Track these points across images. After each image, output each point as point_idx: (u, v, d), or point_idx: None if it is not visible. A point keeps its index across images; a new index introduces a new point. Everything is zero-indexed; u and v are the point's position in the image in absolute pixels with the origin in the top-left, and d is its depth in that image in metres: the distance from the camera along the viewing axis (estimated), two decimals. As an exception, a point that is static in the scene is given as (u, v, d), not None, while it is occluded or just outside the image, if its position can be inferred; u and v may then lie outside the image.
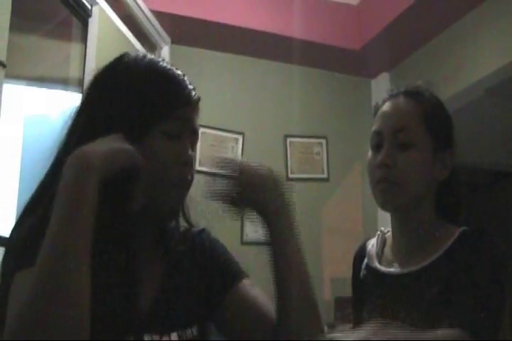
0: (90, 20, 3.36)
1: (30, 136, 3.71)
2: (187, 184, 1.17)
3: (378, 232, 1.72)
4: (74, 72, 3.60)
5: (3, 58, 2.37)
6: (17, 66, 3.08)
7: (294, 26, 4.35)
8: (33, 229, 1.03)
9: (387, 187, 1.52)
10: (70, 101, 3.64)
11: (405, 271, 1.54)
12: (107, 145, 1.05)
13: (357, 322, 1.68)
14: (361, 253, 1.73)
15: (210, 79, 4.48)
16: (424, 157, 1.53)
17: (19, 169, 3.53)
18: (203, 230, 1.31)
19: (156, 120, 1.14)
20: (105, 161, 1.02)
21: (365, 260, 1.69)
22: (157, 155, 1.13)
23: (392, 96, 1.61)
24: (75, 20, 3.43)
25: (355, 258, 1.76)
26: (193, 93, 1.21)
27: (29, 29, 3.62)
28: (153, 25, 4.11)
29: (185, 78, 1.22)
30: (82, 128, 1.15)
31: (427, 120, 1.53)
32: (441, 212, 1.59)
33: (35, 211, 1.08)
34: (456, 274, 1.42)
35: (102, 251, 1.03)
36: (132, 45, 3.74)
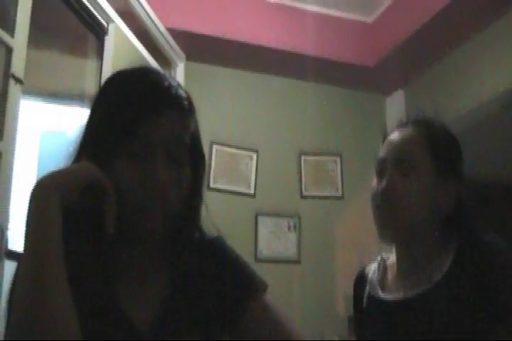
0: (106, 37, 3.39)
1: (46, 151, 3.73)
2: (160, 205, 1.05)
3: (379, 258, 1.70)
4: (90, 88, 3.62)
5: (21, 75, 2.38)
6: (34, 82, 3.11)
7: (309, 43, 4.37)
8: None
9: (385, 213, 1.52)
10: (86, 117, 3.66)
11: (410, 295, 1.51)
12: (67, 168, 1.05)
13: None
14: (361, 280, 1.71)
15: (224, 96, 4.50)
16: (426, 185, 1.52)
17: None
18: (218, 238, 1.22)
19: (118, 142, 1.04)
20: (63, 180, 0.99)
21: (367, 289, 1.66)
22: (123, 179, 1.03)
23: (400, 126, 1.62)
24: (91, 36, 3.46)
25: (355, 286, 1.74)
26: (169, 105, 1.08)
27: (46, 45, 3.66)
28: (168, 42, 4.14)
29: (167, 90, 1.09)
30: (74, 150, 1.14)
31: (433, 148, 1.53)
32: (443, 235, 1.56)
33: None
34: (468, 292, 1.41)
35: (82, 277, 1.01)
36: (147, 62, 3.76)
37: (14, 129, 2.35)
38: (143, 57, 3.73)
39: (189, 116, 1.12)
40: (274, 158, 4.54)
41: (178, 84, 1.13)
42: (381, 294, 1.59)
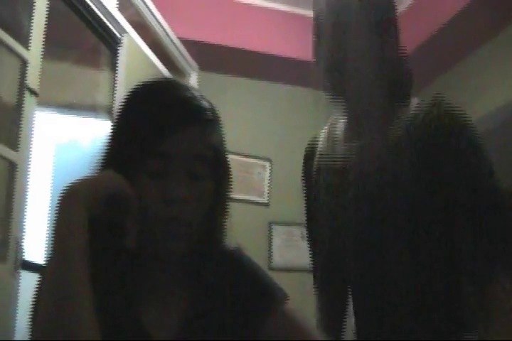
0: (119, 48, 3.41)
1: (61, 162, 3.76)
2: (179, 223, 1.04)
3: (330, 121, 1.69)
4: (103, 99, 3.65)
5: (36, 87, 2.41)
6: (48, 93, 3.13)
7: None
8: None
9: (332, 73, 1.54)
10: (100, 128, 3.68)
11: (360, 152, 1.51)
12: (92, 177, 1.04)
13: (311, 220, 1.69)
14: (312, 145, 1.70)
15: (237, 105, 4.51)
16: (364, 37, 1.50)
17: (50, 195, 3.58)
18: (236, 250, 1.20)
19: (139, 158, 1.03)
20: (89, 189, 0.98)
21: (316, 157, 1.64)
22: (144, 194, 1.02)
23: None
24: (104, 48, 3.49)
25: (306, 159, 1.72)
26: (191, 119, 1.06)
27: (60, 57, 3.69)
28: (180, 53, 4.16)
29: (189, 103, 1.07)
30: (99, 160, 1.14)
31: (369, 2, 1.52)
32: (393, 92, 1.55)
33: None
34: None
35: (103, 290, 1.00)
36: (161, 73, 3.78)
37: (29, 141, 2.36)
38: (156, 68, 3.75)
39: (212, 129, 1.10)
40: (288, 167, 4.53)
41: (201, 96, 1.11)
42: (330, 150, 1.58)
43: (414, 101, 1.52)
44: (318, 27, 1.57)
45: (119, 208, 1.01)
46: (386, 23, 1.53)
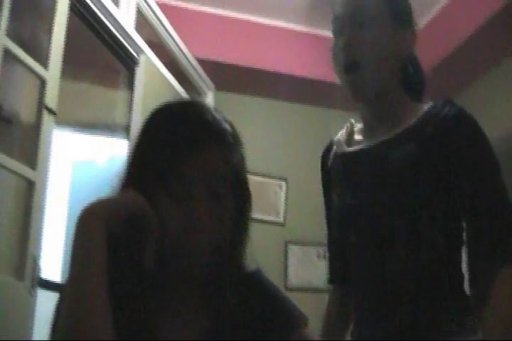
0: (137, 68, 3.43)
1: (78, 180, 3.78)
2: (200, 243, 1.03)
3: (348, 124, 1.69)
4: (120, 119, 3.67)
5: (54, 106, 2.43)
6: (66, 112, 3.16)
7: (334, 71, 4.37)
8: None
9: (356, 76, 1.50)
10: (117, 147, 3.70)
11: (372, 143, 1.52)
12: (113, 197, 1.04)
13: (329, 212, 1.67)
14: (329, 147, 1.73)
15: (253, 125, 4.52)
16: (386, 35, 1.50)
17: (66, 213, 3.59)
18: (256, 271, 1.20)
19: (160, 180, 1.03)
20: (110, 209, 0.98)
21: (333, 150, 1.67)
22: (164, 216, 1.02)
23: None
24: (121, 67, 3.52)
25: (323, 154, 1.75)
26: (211, 142, 1.05)
27: (78, 76, 3.72)
28: (197, 72, 4.19)
29: (209, 126, 1.07)
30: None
31: (385, 1, 1.52)
32: (407, 88, 1.57)
33: None
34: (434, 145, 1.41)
35: (121, 309, 1.00)
36: (177, 92, 3.80)
37: (47, 159, 2.38)
38: (172, 87, 3.78)
39: (233, 151, 1.09)
40: (304, 187, 4.53)
41: (223, 118, 1.11)
42: (346, 149, 1.60)
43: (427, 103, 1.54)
44: (336, 25, 1.55)
45: (139, 228, 1.01)
46: (403, 17, 1.54)
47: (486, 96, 4.24)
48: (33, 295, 2.20)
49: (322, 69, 4.54)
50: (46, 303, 2.24)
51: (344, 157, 1.59)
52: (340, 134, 1.68)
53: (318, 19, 4.41)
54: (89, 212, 0.97)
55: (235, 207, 1.09)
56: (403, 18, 1.54)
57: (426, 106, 1.50)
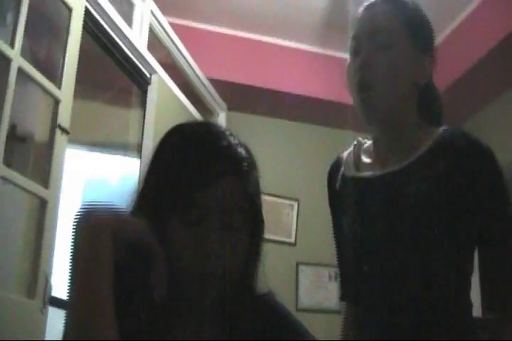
0: (149, 87, 3.46)
1: (90, 199, 3.79)
2: (213, 273, 1.01)
3: (355, 142, 1.65)
4: (133, 138, 3.69)
5: (67, 126, 2.45)
6: (79, 132, 3.18)
7: (348, 93, 4.38)
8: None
9: (370, 97, 1.45)
10: (129, 166, 3.72)
11: (386, 171, 1.47)
12: (123, 214, 1.01)
13: (339, 239, 1.65)
14: (337, 164, 1.66)
15: (265, 145, 4.53)
16: (404, 58, 1.45)
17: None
18: (268, 294, 1.18)
19: (173, 208, 1.00)
20: (116, 224, 0.95)
21: (341, 170, 1.61)
22: (177, 244, 1.00)
23: (368, 5, 1.54)
24: (134, 87, 3.54)
25: (330, 172, 1.69)
26: (227, 171, 1.02)
27: (91, 96, 3.75)
28: (209, 93, 4.21)
29: (225, 153, 1.04)
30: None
31: (405, 21, 1.46)
32: (423, 115, 1.52)
33: None
34: (448, 173, 1.39)
35: (129, 333, 0.97)
36: (189, 112, 3.82)
37: (59, 178, 2.39)
38: (185, 107, 3.80)
39: (248, 179, 1.06)
40: (315, 207, 4.51)
41: (238, 141, 1.08)
42: (355, 173, 1.55)
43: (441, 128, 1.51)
44: (354, 45, 1.50)
45: (142, 256, 0.98)
46: (424, 42, 1.50)
47: (497, 120, 4.24)
48: (44, 313, 2.20)
49: (335, 90, 4.56)
50: (57, 321, 2.25)
51: (355, 182, 1.55)
52: (348, 154, 1.64)
53: (332, 40, 4.44)
54: (99, 223, 0.95)
55: (248, 233, 1.06)
56: (423, 42, 1.50)
57: (439, 131, 1.47)
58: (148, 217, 1.01)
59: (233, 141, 1.07)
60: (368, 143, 1.62)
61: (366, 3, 1.54)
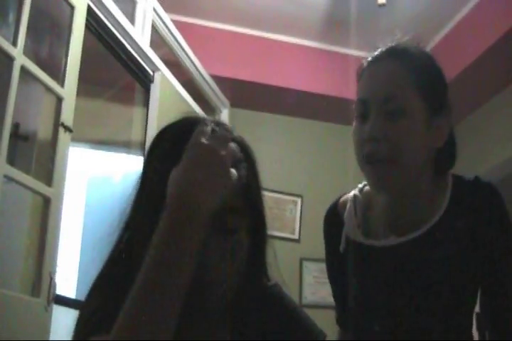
0: (152, 85, 3.46)
1: (93, 197, 3.79)
2: (213, 284, 0.99)
3: (351, 195, 1.49)
4: (136, 136, 3.69)
5: (70, 124, 2.45)
6: (82, 130, 3.18)
7: (351, 88, 4.38)
8: (106, 300, 1.01)
9: (381, 168, 1.30)
10: (132, 163, 3.72)
11: (406, 239, 1.35)
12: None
13: (345, 311, 1.57)
14: (336, 219, 1.50)
15: (268, 142, 4.53)
16: (418, 126, 1.31)
17: (81, 229, 3.61)
18: (275, 286, 1.16)
19: (158, 204, 0.93)
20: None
21: (344, 231, 1.46)
22: None
23: (376, 59, 1.37)
24: (137, 85, 3.54)
25: (328, 227, 1.55)
26: None
27: (94, 94, 3.76)
28: (212, 90, 4.21)
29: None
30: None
31: (418, 84, 1.31)
32: (437, 168, 1.40)
33: (111, 278, 1.04)
34: (473, 233, 1.32)
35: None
36: (192, 109, 3.82)
37: (63, 176, 2.40)
38: (188, 104, 3.79)
39: (242, 176, 0.98)
40: (319, 203, 4.51)
41: (230, 137, 0.99)
42: (364, 240, 1.41)
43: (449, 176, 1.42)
44: (361, 110, 1.35)
45: None
46: (439, 103, 1.36)
47: (498, 115, 4.23)
48: (48, 311, 2.21)
49: (338, 85, 4.57)
50: (61, 319, 2.25)
51: (365, 250, 1.42)
52: (348, 211, 1.47)
53: (335, 36, 4.44)
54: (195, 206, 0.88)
55: (248, 232, 1.04)
56: (438, 103, 1.35)
57: (448, 181, 1.38)
58: (145, 220, 0.98)
59: (224, 132, 1.00)
60: (366, 190, 1.48)
61: (371, 58, 1.38)
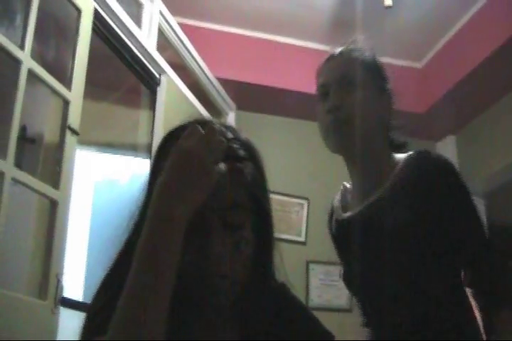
0: (158, 88, 3.47)
1: (100, 199, 3.80)
2: (218, 278, 0.99)
3: (342, 187, 1.82)
4: (143, 139, 3.70)
5: (77, 127, 2.45)
6: (88, 133, 3.19)
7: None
8: (110, 302, 1.01)
9: (342, 130, 1.59)
10: (139, 166, 3.73)
11: (362, 207, 1.61)
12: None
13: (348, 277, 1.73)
14: (332, 210, 1.84)
15: (275, 144, 4.53)
16: (369, 97, 1.63)
17: (88, 232, 3.61)
18: (282, 285, 1.17)
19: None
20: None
21: (334, 216, 1.78)
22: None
23: (330, 57, 1.75)
24: (143, 88, 3.55)
25: (328, 217, 1.86)
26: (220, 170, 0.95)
27: (100, 97, 3.76)
28: (218, 92, 4.21)
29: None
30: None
31: (366, 67, 1.67)
32: (392, 146, 1.70)
33: (116, 279, 1.05)
34: (423, 196, 1.50)
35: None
36: (199, 112, 3.83)
37: (70, 179, 2.40)
38: (194, 107, 3.80)
39: (244, 174, 1.01)
40: (325, 206, 4.51)
41: (234, 138, 1.04)
42: (341, 215, 1.71)
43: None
44: (322, 92, 1.67)
45: None
46: (382, 83, 1.69)
47: (501, 121, 4.23)
48: (55, 314, 2.21)
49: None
50: (68, 322, 2.26)
51: (340, 224, 1.71)
52: (337, 199, 1.80)
53: (340, 38, 4.39)
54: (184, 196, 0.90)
55: (253, 230, 1.04)
56: (382, 83, 1.69)
57: (404, 156, 1.62)
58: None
59: (229, 136, 1.03)
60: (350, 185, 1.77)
61: (328, 56, 1.76)
